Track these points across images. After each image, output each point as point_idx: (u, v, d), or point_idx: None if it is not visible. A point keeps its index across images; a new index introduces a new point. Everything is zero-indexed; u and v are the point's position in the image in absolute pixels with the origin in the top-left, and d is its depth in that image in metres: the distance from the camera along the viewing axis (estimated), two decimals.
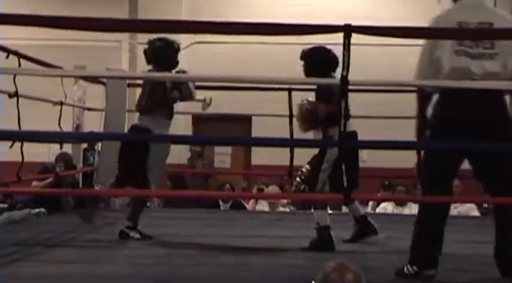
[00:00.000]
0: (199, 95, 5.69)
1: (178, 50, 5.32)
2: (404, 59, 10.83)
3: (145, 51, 5.32)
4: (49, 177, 6.86)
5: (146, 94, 5.20)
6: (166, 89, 5.17)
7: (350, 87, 3.80)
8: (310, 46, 5.09)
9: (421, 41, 4.07)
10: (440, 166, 3.90)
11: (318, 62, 4.96)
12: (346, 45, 3.72)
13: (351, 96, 4.07)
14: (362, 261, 4.17)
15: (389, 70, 9.75)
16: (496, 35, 3.88)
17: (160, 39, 5.26)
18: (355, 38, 3.73)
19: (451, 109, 3.85)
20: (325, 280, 2.24)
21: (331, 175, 4.84)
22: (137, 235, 5.20)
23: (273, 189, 8.44)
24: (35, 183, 6.98)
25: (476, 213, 7.92)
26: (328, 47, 5.04)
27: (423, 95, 4.01)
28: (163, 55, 5.21)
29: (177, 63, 5.29)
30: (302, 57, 5.07)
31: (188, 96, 5.34)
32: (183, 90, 5.25)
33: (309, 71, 5.02)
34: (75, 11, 9.45)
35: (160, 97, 5.16)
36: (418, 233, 3.91)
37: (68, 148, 7.26)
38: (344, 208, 7.34)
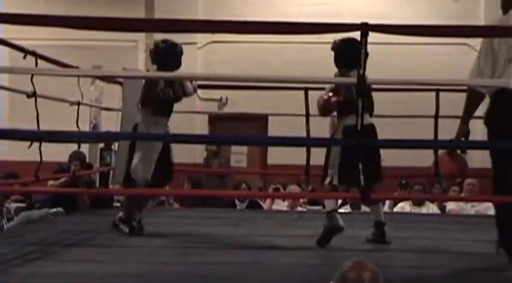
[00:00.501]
0: (216, 94, 5.71)
1: (181, 52, 5.42)
2: (412, 57, 10.92)
3: (150, 52, 5.48)
4: (65, 176, 6.88)
5: (142, 92, 5.37)
6: (157, 87, 5.27)
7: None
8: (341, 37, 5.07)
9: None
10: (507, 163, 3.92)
11: (347, 53, 4.92)
12: (363, 44, 3.71)
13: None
14: (379, 260, 4.14)
15: (395, 69, 9.70)
16: None
17: (163, 41, 5.42)
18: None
19: (503, 108, 3.86)
20: (342, 278, 2.24)
21: (340, 167, 4.85)
22: (126, 230, 5.33)
23: (293, 188, 8.42)
24: (50, 182, 7.01)
25: (493, 212, 7.85)
26: None
27: (475, 96, 4.00)
28: (164, 56, 5.34)
29: (180, 64, 5.40)
30: (333, 48, 5.09)
31: (182, 94, 5.46)
32: (175, 88, 5.37)
33: (338, 62, 5.05)
34: (90, 11, 9.48)
35: (153, 95, 5.27)
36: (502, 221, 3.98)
37: (84, 148, 7.28)
38: (363, 207, 7.34)
